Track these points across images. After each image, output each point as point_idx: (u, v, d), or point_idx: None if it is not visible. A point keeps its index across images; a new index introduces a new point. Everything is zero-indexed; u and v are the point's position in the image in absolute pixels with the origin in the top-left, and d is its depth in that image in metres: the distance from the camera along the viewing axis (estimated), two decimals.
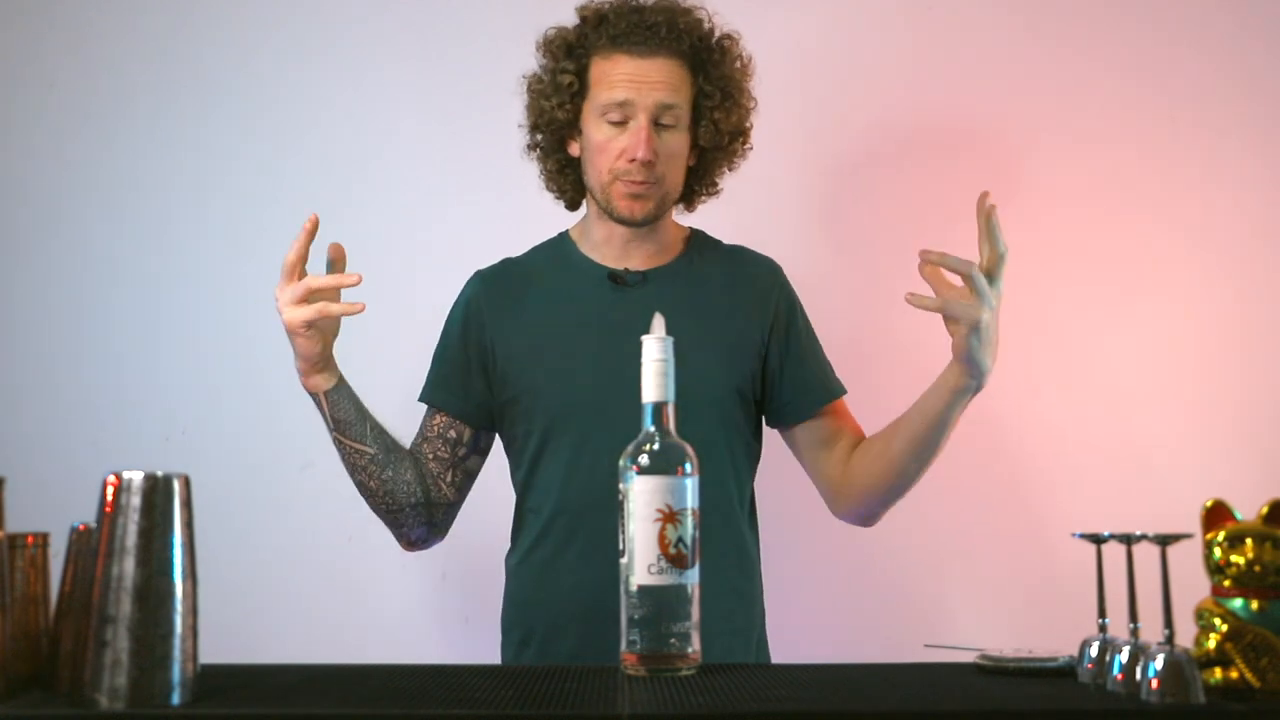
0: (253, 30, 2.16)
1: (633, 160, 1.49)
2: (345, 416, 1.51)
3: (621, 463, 1.09)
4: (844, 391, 1.63)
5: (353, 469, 1.54)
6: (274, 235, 2.12)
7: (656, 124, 1.49)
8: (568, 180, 1.62)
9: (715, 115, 1.54)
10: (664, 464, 1.07)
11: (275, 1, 2.16)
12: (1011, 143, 2.07)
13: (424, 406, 1.64)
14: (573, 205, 1.66)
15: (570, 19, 1.58)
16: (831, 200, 2.10)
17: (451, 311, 1.65)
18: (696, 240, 1.67)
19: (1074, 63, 2.08)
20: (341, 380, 1.51)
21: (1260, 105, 2.06)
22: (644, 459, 1.08)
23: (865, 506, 1.59)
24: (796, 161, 2.08)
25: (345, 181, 2.13)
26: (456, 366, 1.61)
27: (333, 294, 1.42)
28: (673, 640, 1.05)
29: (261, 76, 2.15)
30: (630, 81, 1.49)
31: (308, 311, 1.40)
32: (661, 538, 1.04)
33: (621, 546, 1.09)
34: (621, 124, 1.50)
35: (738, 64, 1.58)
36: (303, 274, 1.43)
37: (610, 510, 1.47)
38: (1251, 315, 2.02)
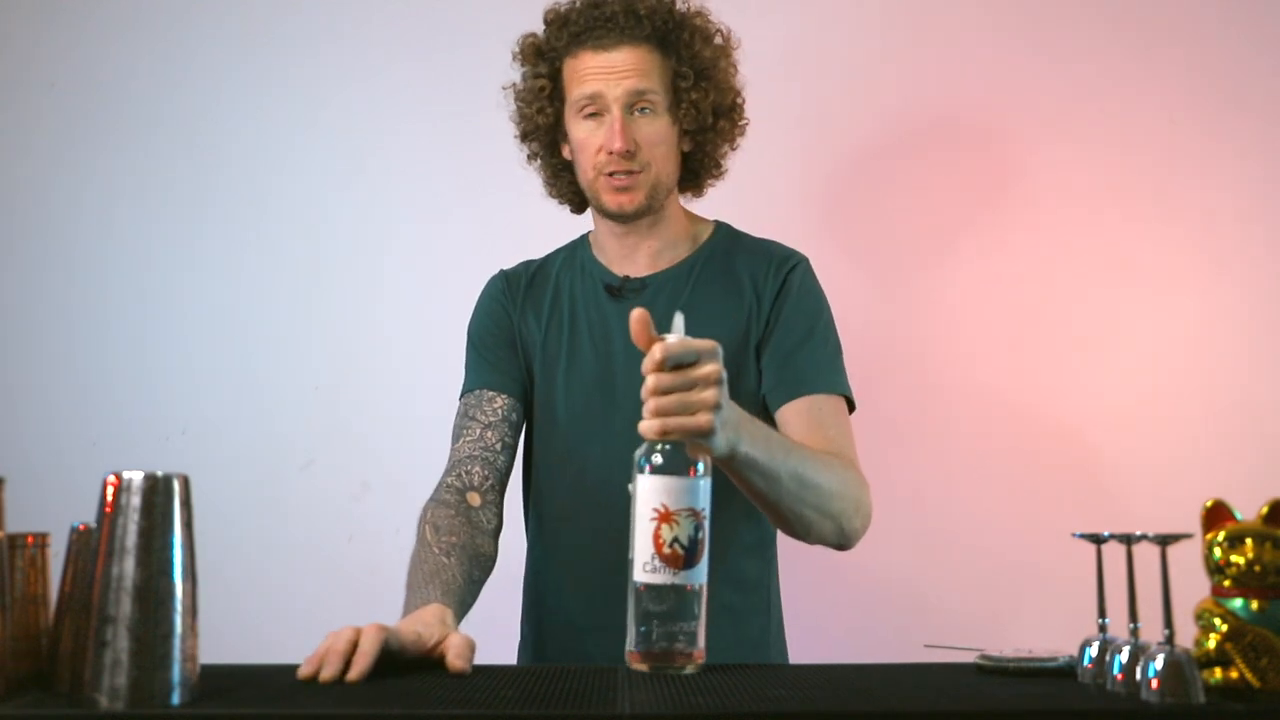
0: (253, 29, 2.16)
1: (611, 153, 1.45)
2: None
3: (636, 459, 1.07)
4: (828, 390, 1.47)
5: None
6: (274, 234, 2.14)
7: (632, 111, 1.46)
8: (565, 183, 1.60)
9: (693, 96, 1.49)
10: (672, 464, 1.06)
11: (276, 1, 2.16)
12: (1013, 142, 2.07)
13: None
14: (578, 209, 1.63)
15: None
16: (836, 201, 2.10)
17: (476, 308, 1.62)
18: (716, 236, 1.59)
19: (1076, 60, 2.07)
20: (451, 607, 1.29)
21: (1262, 105, 2.05)
22: (656, 458, 1.06)
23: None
24: (797, 163, 2.08)
25: (346, 180, 2.13)
26: (498, 349, 1.57)
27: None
28: (673, 638, 1.04)
29: (261, 75, 2.15)
30: (598, 74, 1.46)
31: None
32: (656, 537, 1.03)
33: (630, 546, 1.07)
34: (597, 116, 1.47)
35: (717, 39, 1.52)
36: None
37: (593, 521, 1.45)
38: (1252, 315, 2.02)
